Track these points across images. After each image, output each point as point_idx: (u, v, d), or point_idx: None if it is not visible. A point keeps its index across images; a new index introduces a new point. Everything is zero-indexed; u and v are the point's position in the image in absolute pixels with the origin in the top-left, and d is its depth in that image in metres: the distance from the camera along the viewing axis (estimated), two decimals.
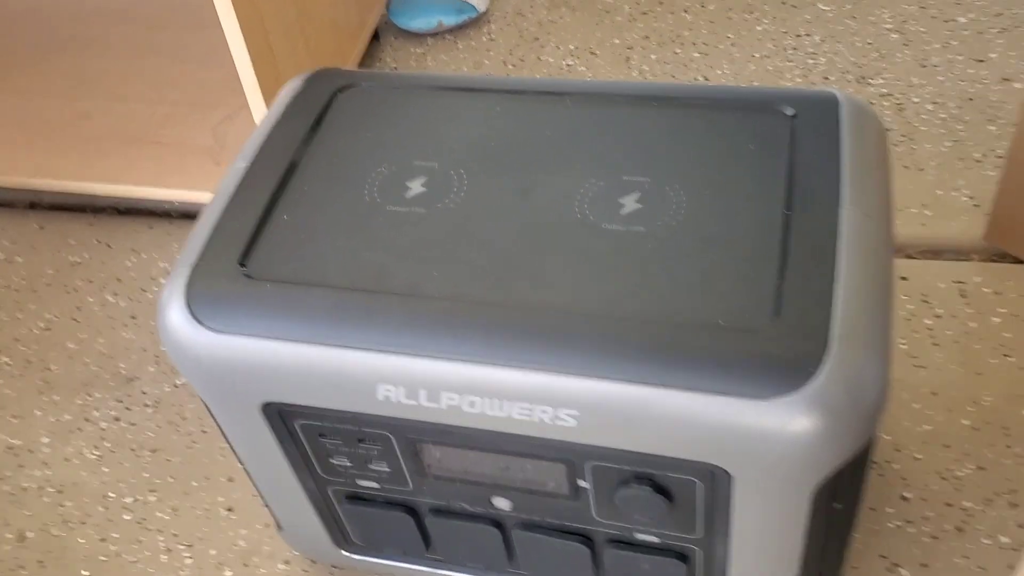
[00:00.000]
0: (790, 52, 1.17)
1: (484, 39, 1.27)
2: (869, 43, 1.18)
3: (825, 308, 0.46)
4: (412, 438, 0.54)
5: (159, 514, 0.83)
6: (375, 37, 1.27)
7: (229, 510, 0.83)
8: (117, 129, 1.14)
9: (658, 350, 0.45)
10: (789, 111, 0.56)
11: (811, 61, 1.15)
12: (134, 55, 1.25)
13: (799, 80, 1.13)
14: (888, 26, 1.20)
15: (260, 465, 0.61)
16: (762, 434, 0.44)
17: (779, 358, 0.44)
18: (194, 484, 0.86)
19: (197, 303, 0.52)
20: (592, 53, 1.22)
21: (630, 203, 0.53)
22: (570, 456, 0.51)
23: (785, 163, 0.53)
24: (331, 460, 0.58)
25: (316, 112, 0.61)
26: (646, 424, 0.46)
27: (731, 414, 0.44)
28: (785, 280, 0.47)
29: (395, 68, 1.25)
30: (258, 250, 0.54)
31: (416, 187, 0.56)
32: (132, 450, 0.89)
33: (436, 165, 0.57)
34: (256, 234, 0.54)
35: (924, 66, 1.12)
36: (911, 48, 1.15)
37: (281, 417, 0.55)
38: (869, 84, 1.12)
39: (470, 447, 0.53)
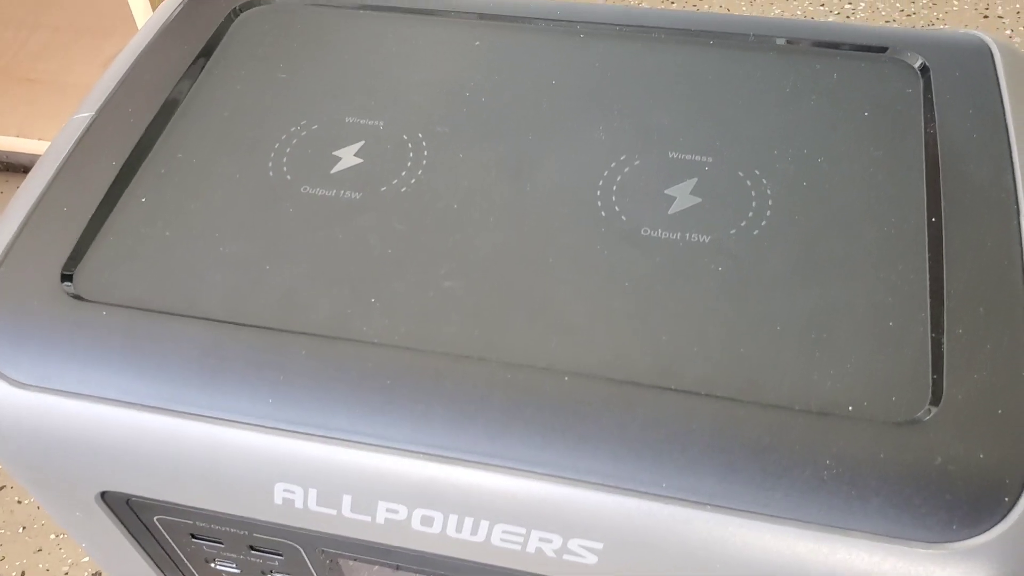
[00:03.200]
0: None
1: None
2: None
3: (1017, 389, 0.34)
4: (332, 552, 0.41)
5: None
6: None
7: None
8: None
9: (745, 456, 0.33)
10: (915, 60, 0.45)
11: (848, 6, 1.08)
12: None
13: None
14: None
15: (111, 562, 0.48)
16: None
17: (949, 476, 0.32)
18: (53, 537, 0.72)
19: None
20: None
21: (684, 196, 0.41)
22: None
23: (919, 140, 0.41)
24: (212, 565, 0.46)
25: (203, 40, 0.49)
26: (721, 573, 0.34)
27: (874, 567, 0.32)
28: (946, 338, 0.35)
29: None
30: (95, 254, 0.41)
31: (348, 158, 0.44)
32: None
33: (380, 124, 0.45)
34: (93, 228, 0.41)
35: (987, 16, 1.03)
36: None
37: (132, 509, 0.42)
38: None
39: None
